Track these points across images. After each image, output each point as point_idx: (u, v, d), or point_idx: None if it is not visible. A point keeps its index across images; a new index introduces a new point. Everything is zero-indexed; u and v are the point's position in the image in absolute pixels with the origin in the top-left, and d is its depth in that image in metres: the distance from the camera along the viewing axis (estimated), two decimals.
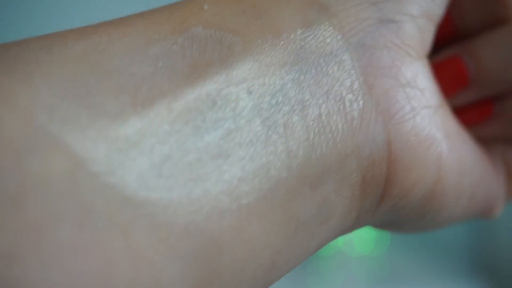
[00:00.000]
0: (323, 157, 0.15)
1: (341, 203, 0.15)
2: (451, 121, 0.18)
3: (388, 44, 0.16)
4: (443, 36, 0.20)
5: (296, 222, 0.14)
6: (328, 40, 0.15)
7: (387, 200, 0.17)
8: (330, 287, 0.68)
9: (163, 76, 0.13)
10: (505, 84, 0.19)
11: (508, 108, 0.20)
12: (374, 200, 0.16)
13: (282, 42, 0.15)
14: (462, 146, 0.18)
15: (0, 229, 0.10)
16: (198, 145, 0.13)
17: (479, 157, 0.19)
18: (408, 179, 0.16)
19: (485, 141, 0.20)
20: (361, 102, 0.15)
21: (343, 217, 0.16)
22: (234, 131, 0.13)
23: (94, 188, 0.11)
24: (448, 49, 0.20)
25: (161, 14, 0.14)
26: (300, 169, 0.14)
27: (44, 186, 0.11)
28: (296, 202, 0.14)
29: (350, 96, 0.15)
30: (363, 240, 0.71)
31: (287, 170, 0.14)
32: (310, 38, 0.15)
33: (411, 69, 0.17)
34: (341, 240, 0.70)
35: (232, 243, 0.13)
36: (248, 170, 0.13)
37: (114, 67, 0.13)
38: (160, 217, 0.12)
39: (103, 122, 0.12)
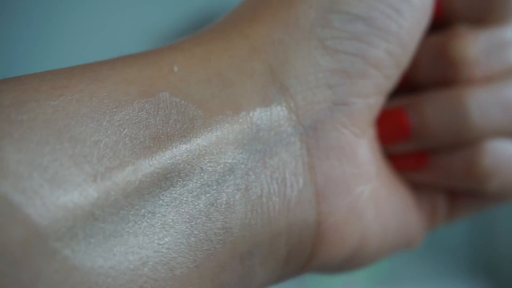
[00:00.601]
0: (256, 235, 0.15)
1: (263, 273, 0.16)
2: (381, 181, 0.19)
3: (337, 126, 0.17)
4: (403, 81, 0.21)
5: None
6: (282, 122, 0.16)
7: (309, 267, 0.18)
8: (329, 286, 0.68)
9: (125, 146, 0.14)
10: (443, 142, 0.20)
11: (442, 161, 0.20)
12: (297, 269, 0.17)
13: (240, 120, 0.15)
14: (389, 206, 0.19)
15: None
16: (147, 219, 0.14)
17: (405, 206, 0.20)
18: (331, 254, 0.17)
19: (415, 185, 0.21)
20: (301, 184, 0.16)
21: (264, 282, 0.17)
22: (180, 207, 0.14)
23: (46, 257, 0.12)
24: (397, 99, 0.20)
25: (132, 71, 0.15)
26: (233, 244, 0.15)
27: (1, 255, 0.12)
28: (224, 273, 0.15)
29: (292, 178, 0.16)
30: None
31: (222, 245, 0.15)
32: (266, 118, 0.16)
33: (352, 148, 0.17)
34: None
35: None
36: (186, 243, 0.14)
37: (81, 133, 0.13)
38: (102, 286, 0.13)
39: (63, 194, 0.13)
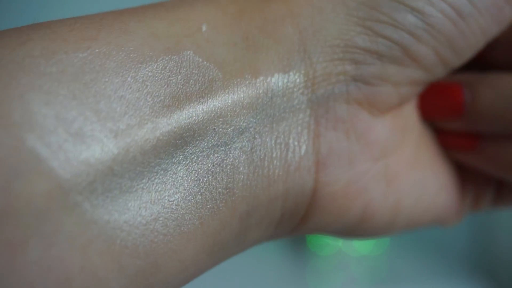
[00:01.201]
0: (256, 197, 0.16)
1: (256, 232, 0.17)
2: (399, 165, 0.19)
3: (351, 101, 0.17)
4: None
5: (219, 246, 0.16)
6: (296, 89, 0.16)
7: (299, 231, 0.18)
8: (330, 286, 0.68)
9: (146, 103, 0.14)
10: (495, 128, 0.19)
11: (492, 149, 0.20)
12: (286, 230, 0.18)
13: (257, 85, 0.16)
14: (407, 184, 0.19)
15: None
16: (160, 176, 0.14)
17: (438, 183, 0.20)
18: (324, 221, 0.18)
19: (461, 165, 0.21)
20: (303, 151, 0.16)
21: (256, 241, 0.17)
22: (190, 165, 0.15)
23: (67, 210, 0.13)
24: (459, 74, 0.20)
25: (160, 25, 0.15)
26: (234, 204, 0.16)
27: (24, 207, 0.12)
28: (224, 231, 0.16)
29: (295, 144, 0.16)
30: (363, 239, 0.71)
31: (224, 204, 0.15)
32: (282, 84, 0.16)
33: (365, 125, 0.17)
34: (341, 240, 0.70)
35: (168, 263, 0.14)
36: (193, 201, 0.15)
37: (106, 88, 0.14)
38: (116, 239, 0.13)
39: (85, 149, 0.13)
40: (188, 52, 0.15)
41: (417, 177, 0.19)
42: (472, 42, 0.17)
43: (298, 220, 0.17)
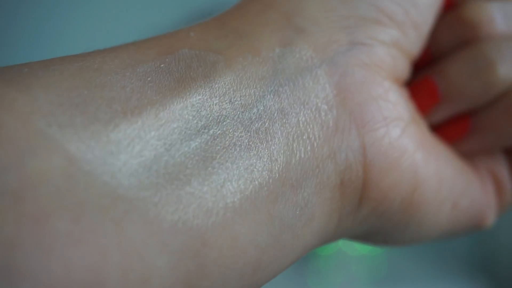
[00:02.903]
0: (301, 161, 0.16)
1: (322, 205, 0.16)
2: (425, 135, 0.19)
3: (359, 63, 0.17)
4: (421, 62, 0.21)
5: (279, 222, 0.15)
6: (304, 58, 0.16)
7: (366, 202, 0.18)
8: (330, 285, 0.68)
9: (151, 89, 0.14)
10: (471, 97, 0.20)
11: (483, 120, 0.21)
12: (354, 202, 0.17)
13: (261, 60, 0.16)
14: (439, 158, 0.19)
15: (1, 219, 0.11)
16: (184, 149, 0.14)
17: (460, 168, 0.20)
18: (384, 182, 0.17)
19: (468, 156, 0.21)
20: (335, 112, 0.16)
21: (325, 219, 0.17)
22: (219, 137, 0.14)
23: (88, 185, 0.12)
24: (423, 72, 0.21)
25: (150, 41, 0.16)
26: (280, 172, 0.15)
27: (42, 182, 0.12)
28: (278, 203, 0.15)
29: (325, 106, 0.16)
30: None
31: (269, 173, 0.15)
32: (287, 55, 0.16)
33: (381, 86, 0.18)
34: (341, 239, 0.70)
35: (218, 240, 0.14)
36: (232, 172, 0.14)
37: (106, 81, 0.14)
38: (150, 213, 0.13)
39: (95, 127, 0.13)
40: (183, 50, 0.15)
41: (446, 152, 0.20)
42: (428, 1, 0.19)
43: (361, 187, 0.17)
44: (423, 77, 0.21)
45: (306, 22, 0.17)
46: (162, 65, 0.15)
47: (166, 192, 0.13)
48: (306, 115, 0.16)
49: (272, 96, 0.16)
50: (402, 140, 0.18)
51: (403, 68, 0.19)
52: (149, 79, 0.14)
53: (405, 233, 0.19)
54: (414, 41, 0.19)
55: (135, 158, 0.13)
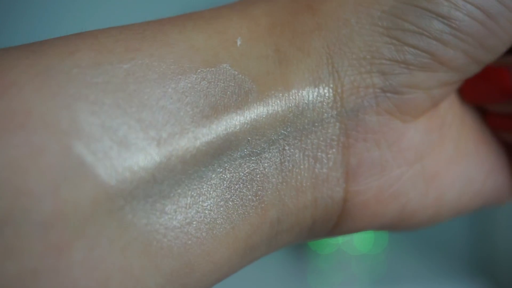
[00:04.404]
0: (285, 205, 0.16)
1: (288, 237, 0.17)
2: (438, 163, 0.19)
3: (381, 112, 0.17)
4: None
5: (251, 248, 0.16)
6: (325, 103, 0.16)
7: (335, 234, 0.18)
8: (329, 285, 0.68)
9: (186, 113, 0.15)
10: None
11: None
12: (320, 235, 0.18)
13: (290, 97, 0.16)
14: (447, 181, 0.19)
15: (30, 248, 0.12)
16: (196, 183, 0.15)
17: (484, 172, 0.20)
18: (359, 226, 0.18)
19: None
20: (331, 163, 0.17)
21: (287, 243, 0.18)
22: (223, 173, 0.15)
23: (110, 214, 0.13)
24: (499, 58, 0.20)
25: (199, 38, 0.16)
26: (264, 210, 0.16)
27: (71, 212, 0.13)
28: (255, 235, 0.16)
29: (324, 156, 0.17)
30: (362, 238, 0.71)
31: (254, 210, 0.16)
32: (313, 97, 0.16)
33: (397, 133, 0.17)
34: (340, 239, 0.70)
35: (202, 264, 0.15)
36: (225, 206, 0.15)
37: (148, 98, 0.14)
38: (153, 241, 0.14)
39: (129, 156, 0.14)
40: (225, 65, 0.16)
41: (460, 170, 0.19)
42: (504, 38, 0.17)
43: (330, 227, 0.18)
44: (498, 68, 0.19)
45: (344, 62, 0.16)
46: (203, 83, 0.15)
47: (167, 221, 0.14)
48: (302, 163, 0.16)
49: (281, 141, 0.16)
50: (399, 189, 0.18)
51: (449, 94, 0.18)
52: (187, 100, 0.15)
53: (386, 229, 0.20)
54: (475, 70, 0.18)
55: (156, 190, 0.14)
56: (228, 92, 0.16)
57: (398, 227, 0.19)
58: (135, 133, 0.14)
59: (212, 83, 0.15)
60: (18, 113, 0.13)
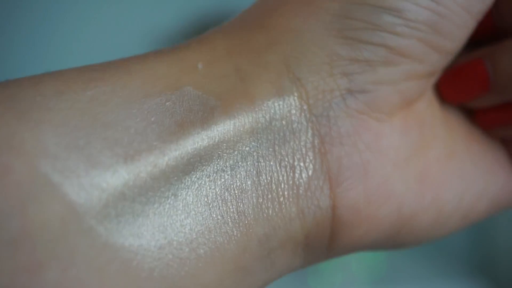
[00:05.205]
0: (269, 219, 0.16)
1: (284, 255, 0.17)
2: (428, 161, 0.18)
3: (353, 113, 0.17)
4: (482, 30, 0.19)
5: (244, 271, 0.16)
6: (293, 111, 0.16)
7: (336, 247, 0.18)
8: (330, 285, 0.68)
9: (153, 131, 0.15)
10: None
11: None
12: (320, 249, 0.18)
13: (256, 109, 0.16)
14: (443, 180, 0.19)
15: (0, 268, 0.12)
16: (171, 201, 0.15)
17: (482, 172, 0.19)
18: (357, 235, 0.17)
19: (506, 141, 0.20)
20: (310, 171, 0.17)
21: (287, 265, 0.17)
22: (199, 190, 0.15)
23: (82, 233, 0.13)
24: (471, 52, 0.20)
25: (160, 67, 0.16)
26: (248, 227, 0.16)
27: (40, 231, 0.12)
28: (244, 255, 0.16)
29: (301, 164, 0.16)
30: None
31: (237, 227, 0.16)
32: (279, 107, 0.16)
33: (375, 133, 0.17)
34: None
35: (190, 287, 0.15)
36: (205, 225, 0.15)
37: (113, 119, 0.14)
38: (132, 262, 0.14)
39: (97, 173, 0.14)
40: (188, 87, 0.16)
41: (453, 169, 0.19)
42: (458, 22, 0.17)
43: (327, 240, 0.17)
44: (472, 61, 0.19)
45: (303, 69, 0.17)
46: (167, 103, 0.15)
47: (146, 242, 0.14)
48: (280, 174, 0.16)
49: (253, 153, 0.16)
50: (385, 190, 0.17)
51: (424, 85, 0.18)
52: (152, 118, 0.15)
53: (391, 246, 0.19)
54: (439, 61, 0.18)
55: (127, 207, 0.14)
56: (194, 110, 0.16)
57: (402, 236, 0.18)
58: (101, 151, 0.14)
59: (177, 103, 0.15)
60: None
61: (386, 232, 0.18)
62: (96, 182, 0.13)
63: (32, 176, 0.13)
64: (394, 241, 0.19)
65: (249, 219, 0.16)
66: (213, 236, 0.15)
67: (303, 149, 0.16)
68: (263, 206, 0.16)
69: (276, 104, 0.16)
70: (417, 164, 0.18)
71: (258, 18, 0.17)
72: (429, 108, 0.19)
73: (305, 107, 0.16)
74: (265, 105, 0.16)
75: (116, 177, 0.14)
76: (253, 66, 0.17)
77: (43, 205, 0.13)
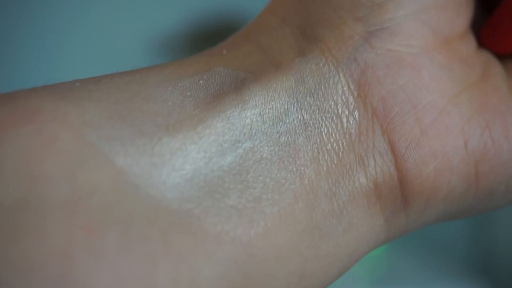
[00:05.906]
0: (330, 172, 0.16)
1: (358, 211, 0.16)
2: (490, 94, 0.17)
3: (382, 51, 0.17)
4: None
5: (319, 232, 0.15)
6: (320, 65, 0.17)
7: (413, 197, 0.17)
8: (329, 285, 0.68)
9: (190, 103, 0.15)
10: None
11: None
12: (396, 201, 0.17)
13: (283, 71, 0.16)
14: (508, 110, 0.17)
15: (56, 229, 0.12)
16: (221, 163, 0.15)
17: None
18: (425, 172, 0.17)
19: None
20: (356, 116, 0.16)
21: (366, 225, 0.16)
22: (251, 151, 0.15)
23: (135, 197, 0.13)
24: None
25: (189, 59, 0.17)
26: (311, 183, 0.16)
27: (93, 195, 0.13)
28: (315, 213, 0.15)
29: (346, 111, 0.16)
30: None
31: (300, 185, 0.15)
32: (306, 65, 0.17)
33: (411, 67, 0.17)
34: None
35: (261, 250, 0.14)
36: (266, 184, 0.15)
37: (150, 94, 0.15)
38: (194, 224, 0.14)
39: (141, 141, 0.14)
40: (218, 68, 0.16)
41: None
42: None
43: (398, 189, 0.17)
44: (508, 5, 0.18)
45: (318, 28, 0.17)
46: (200, 81, 0.16)
47: (207, 205, 0.14)
48: (328, 125, 0.16)
49: (295, 108, 0.16)
50: (441, 121, 0.17)
51: (453, 20, 0.18)
52: (188, 93, 0.15)
53: (496, 199, 0.18)
54: None
55: (177, 171, 0.14)
56: (226, 84, 0.16)
57: (482, 185, 0.17)
58: (142, 121, 0.14)
59: (209, 80, 0.16)
60: (26, 111, 0.13)
61: (461, 175, 0.17)
62: (141, 149, 0.14)
63: (79, 144, 0.13)
64: (475, 192, 0.17)
65: (308, 174, 0.16)
66: (276, 196, 0.15)
67: (343, 97, 0.16)
68: (320, 159, 0.16)
69: (302, 62, 0.17)
70: (472, 97, 0.17)
71: (266, 7, 0.19)
72: (477, 55, 0.18)
73: (330, 58, 0.17)
74: (292, 66, 0.17)
75: (160, 145, 0.14)
76: (272, 39, 0.17)
77: (92, 171, 0.13)
